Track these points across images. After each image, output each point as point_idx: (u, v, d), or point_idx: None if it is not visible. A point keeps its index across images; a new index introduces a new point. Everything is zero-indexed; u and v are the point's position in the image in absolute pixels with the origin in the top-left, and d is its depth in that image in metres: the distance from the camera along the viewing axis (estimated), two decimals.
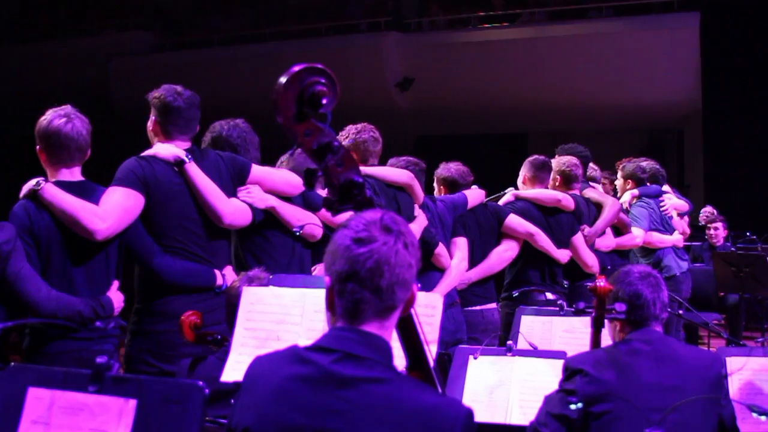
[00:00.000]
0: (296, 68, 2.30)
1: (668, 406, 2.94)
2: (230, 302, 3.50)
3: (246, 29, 19.31)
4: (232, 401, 2.20)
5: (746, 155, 13.91)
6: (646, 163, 8.16)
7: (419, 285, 2.25)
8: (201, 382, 2.08)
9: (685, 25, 14.84)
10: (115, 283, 4.06)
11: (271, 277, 3.27)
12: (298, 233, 4.43)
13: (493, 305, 5.99)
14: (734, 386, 3.64)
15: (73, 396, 2.12)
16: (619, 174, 8.07)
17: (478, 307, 5.87)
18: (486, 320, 5.84)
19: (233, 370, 2.99)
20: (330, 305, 2.17)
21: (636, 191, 7.81)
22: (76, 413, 2.11)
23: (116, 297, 4.01)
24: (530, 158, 6.55)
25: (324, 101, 2.30)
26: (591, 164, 7.66)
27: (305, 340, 2.20)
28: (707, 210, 11.01)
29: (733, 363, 3.68)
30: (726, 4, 14.32)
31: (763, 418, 2.81)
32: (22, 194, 3.95)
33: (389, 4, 18.08)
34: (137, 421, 2.06)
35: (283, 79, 2.28)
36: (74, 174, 4.05)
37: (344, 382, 2.06)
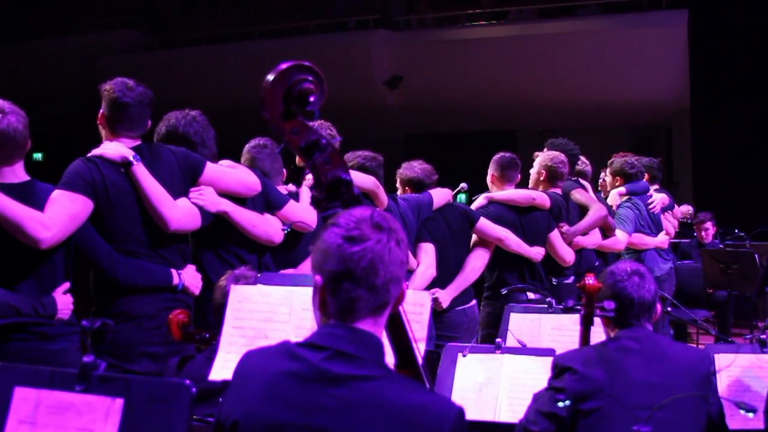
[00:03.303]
0: (283, 66, 2.29)
1: (657, 404, 2.94)
2: (218, 301, 3.49)
3: (234, 27, 19.29)
4: (221, 399, 2.20)
5: (734, 152, 13.95)
6: (635, 159, 8.13)
7: (407, 283, 2.25)
8: (188, 381, 2.07)
9: (673, 22, 14.88)
10: (64, 285, 3.90)
11: (258, 275, 3.26)
12: (286, 231, 4.40)
13: (473, 302, 5.90)
14: (723, 383, 3.64)
15: (60, 395, 2.11)
16: (608, 171, 8.02)
17: (459, 308, 5.76)
18: (469, 318, 5.77)
19: (221, 369, 2.98)
20: (321, 305, 2.15)
21: (623, 189, 7.75)
22: (63, 413, 2.10)
23: (62, 298, 3.86)
24: (496, 156, 6.44)
25: (311, 99, 2.29)
26: (582, 158, 7.60)
27: (293, 338, 2.19)
28: (684, 209, 11.03)
29: (721, 360, 3.69)
30: (714, 1, 14.36)
31: (750, 414, 2.82)
32: None
33: (378, 2, 18.09)
34: (124, 420, 2.05)
35: (270, 77, 2.27)
36: (17, 172, 3.88)
37: (334, 379, 2.05)
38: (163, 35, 19.75)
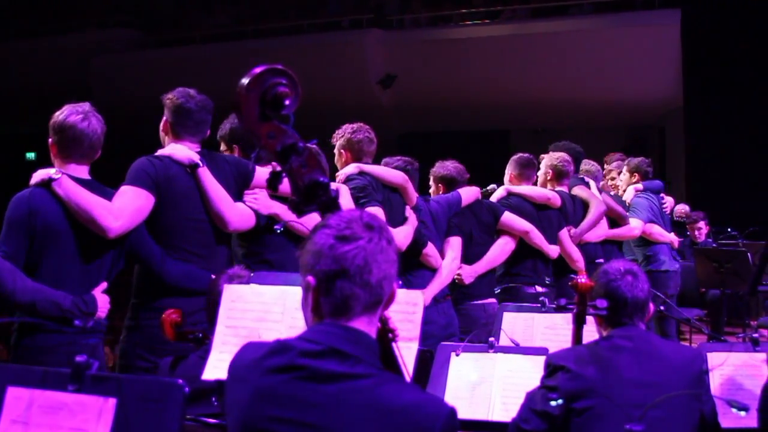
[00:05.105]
0: (258, 70, 2.28)
1: (649, 403, 2.94)
2: (211, 300, 3.49)
3: (228, 27, 19.30)
4: (213, 399, 2.19)
5: (727, 151, 13.98)
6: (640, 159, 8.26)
7: (400, 282, 2.25)
8: (181, 381, 2.07)
9: (666, 21, 14.91)
10: (102, 285, 4.04)
11: (251, 274, 3.26)
12: (279, 231, 4.42)
13: (494, 300, 6.04)
14: (715, 382, 3.65)
15: (53, 395, 2.10)
16: (625, 169, 8.15)
17: (479, 302, 5.93)
18: (488, 314, 5.84)
19: (214, 368, 2.98)
20: (315, 306, 2.16)
21: (640, 186, 7.90)
22: (56, 412, 2.09)
23: (101, 297, 3.99)
24: (515, 156, 6.71)
25: (286, 102, 2.28)
26: (590, 161, 7.77)
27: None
28: (681, 208, 11.05)
29: (714, 358, 3.69)
30: (706, 0, 14.39)
31: (743, 413, 2.83)
32: (33, 182, 3.96)
33: (371, 1, 18.09)
34: (117, 420, 2.04)
35: (245, 81, 2.27)
36: (82, 172, 4.08)
37: (328, 377, 2.05)
38: (157, 34, 19.73)
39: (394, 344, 2.37)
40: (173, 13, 20.33)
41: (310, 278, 2.14)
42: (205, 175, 4.28)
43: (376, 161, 5.59)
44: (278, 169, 2.33)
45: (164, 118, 4.46)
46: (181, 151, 4.31)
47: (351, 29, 17.88)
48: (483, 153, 15.70)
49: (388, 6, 18.03)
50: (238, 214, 4.39)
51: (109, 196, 4.05)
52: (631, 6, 15.90)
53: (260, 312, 3.07)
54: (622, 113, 17.46)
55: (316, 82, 14.24)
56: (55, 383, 2.12)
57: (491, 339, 3.87)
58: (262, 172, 4.57)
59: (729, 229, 10.27)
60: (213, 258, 4.36)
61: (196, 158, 4.28)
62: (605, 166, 8.52)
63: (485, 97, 16.72)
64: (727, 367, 3.69)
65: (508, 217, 6.15)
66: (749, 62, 13.89)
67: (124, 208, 4.00)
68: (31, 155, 21.71)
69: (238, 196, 4.46)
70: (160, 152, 4.32)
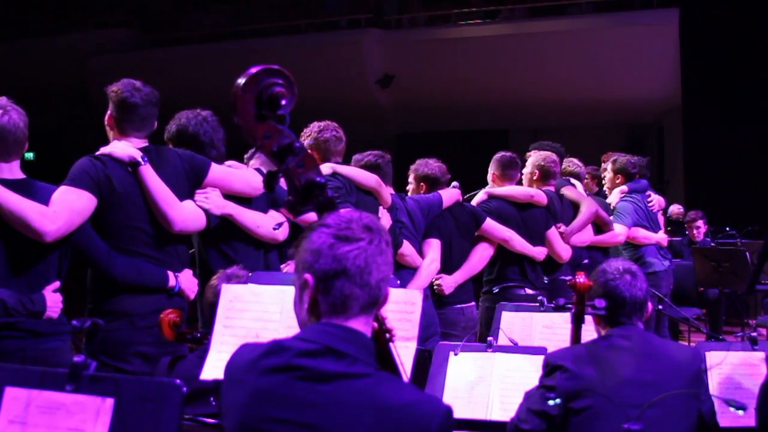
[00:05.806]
0: (254, 70, 2.28)
1: (648, 402, 2.94)
2: (209, 300, 3.49)
3: (225, 26, 19.31)
4: (211, 399, 2.19)
5: (725, 151, 13.99)
6: (637, 158, 8.16)
7: (398, 282, 2.25)
8: (178, 381, 2.07)
9: (664, 21, 14.93)
10: (54, 284, 3.88)
11: (249, 274, 3.26)
12: (277, 230, 4.39)
13: (472, 303, 6.00)
14: (714, 381, 3.64)
15: (50, 395, 2.10)
16: (609, 168, 8.06)
17: (458, 306, 5.86)
18: (466, 317, 5.85)
19: (212, 368, 2.98)
20: (312, 305, 2.16)
21: (625, 188, 7.78)
22: (53, 412, 2.09)
23: (51, 296, 3.82)
24: (497, 156, 6.56)
25: (283, 102, 2.28)
26: (575, 160, 7.68)
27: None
28: (675, 209, 11.04)
29: (712, 357, 3.68)
30: (705, 0, 14.40)
31: (740, 412, 2.83)
32: None
33: (370, 1, 18.11)
34: (114, 420, 2.04)
35: (241, 81, 2.26)
36: (13, 169, 3.86)
37: (324, 377, 2.06)
38: (154, 34, 19.74)
39: (391, 344, 2.36)
40: (171, 12, 20.34)
41: (307, 276, 2.14)
42: (148, 173, 4.09)
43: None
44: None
45: (108, 112, 4.26)
46: (122, 148, 4.11)
47: (349, 29, 17.89)
48: (481, 152, 15.64)
49: (387, 6, 18.05)
50: (185, 214, 4.20)
51: (46, 192, 3.87)
52: (630, 5, 15.93)
53: (258, 312, 3.08)
54: (620, 113, 17.47)
55: (314, 82, 14.26)
56: (53, 383, 2.12)
57: (490, 338, 3.87)
58: (217, 170, 4.42)
59: (727, 228, 10.29)
60: (165, 259, 4.20)
61: (138, 156, 4.08)
62: (602, 165, 8.48)
63: (483, 96, 16.73)
64: (726, 366, 3.69)
65: (490, 224, 6.08)
66: (747, 61, 13.90)
67: (61, 211, 3.80)
68: (29, 155, 21.67)
69: (190, 194, 4.30)
70: (101, 150, 4.12)
